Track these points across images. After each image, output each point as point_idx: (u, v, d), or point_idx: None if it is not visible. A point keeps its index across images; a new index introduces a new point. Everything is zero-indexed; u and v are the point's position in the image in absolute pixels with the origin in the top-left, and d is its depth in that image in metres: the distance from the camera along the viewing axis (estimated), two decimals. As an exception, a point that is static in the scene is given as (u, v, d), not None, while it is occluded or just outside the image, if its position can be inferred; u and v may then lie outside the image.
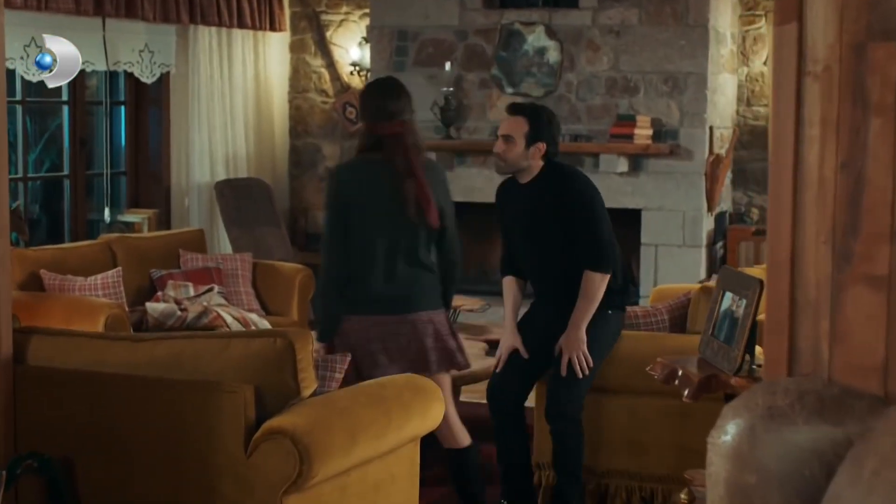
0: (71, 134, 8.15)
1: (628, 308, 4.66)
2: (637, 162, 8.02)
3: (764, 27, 8.40)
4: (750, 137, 8.48)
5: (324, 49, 9.39)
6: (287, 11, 9.33)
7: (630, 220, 8.00)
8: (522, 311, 4.63)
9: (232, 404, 3.27)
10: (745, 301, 3.57)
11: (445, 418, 3.97)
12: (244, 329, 5.84)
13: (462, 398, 5.73)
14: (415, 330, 4.10)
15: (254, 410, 3.28)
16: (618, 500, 4.60)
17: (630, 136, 7.88)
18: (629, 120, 7.94)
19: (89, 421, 3.48)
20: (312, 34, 9.41)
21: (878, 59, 1.95)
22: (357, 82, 9.17)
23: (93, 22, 7.63)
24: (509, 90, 8.24)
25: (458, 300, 7.32)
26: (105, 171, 8.36)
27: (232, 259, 6.73)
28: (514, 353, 4.47)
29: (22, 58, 7.20)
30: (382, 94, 4.14)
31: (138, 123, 8.66)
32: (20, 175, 7.89)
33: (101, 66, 7.88)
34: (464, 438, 4.27)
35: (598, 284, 4.30)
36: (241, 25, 8.71)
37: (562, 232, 4.35)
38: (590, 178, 4.49)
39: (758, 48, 8.44)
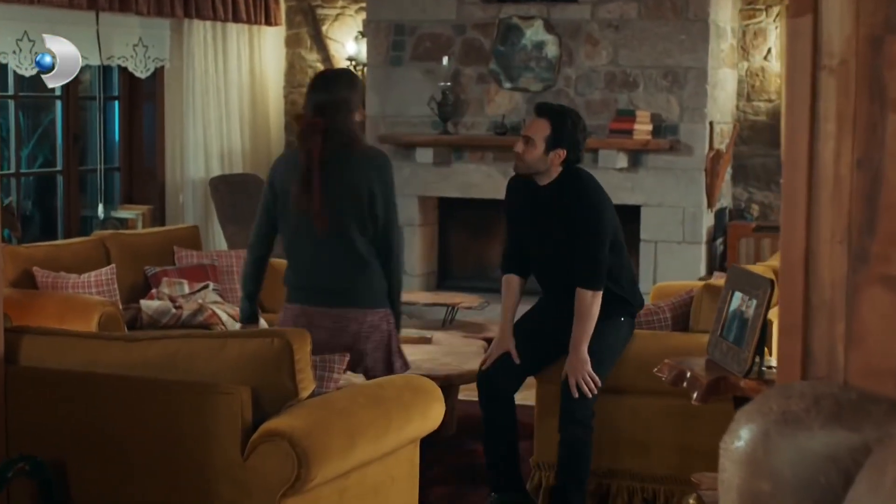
0: (64, 129, 8.09)
1: (630, 306, 4.63)
2: (636, 157, 7.96)
3: (764, 21, 8.34)
4: (750, 133, 8.43)
5: (320, 44, 9.32)
6: (282, 5, 9.27)
7: (629, 216, 7.94)
8: (522, 311, 4.59)
9: (228, 406, 3.22)
10: (755, 301, 3.51)
11: None
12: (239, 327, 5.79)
13: (461, 397, 5.68)
14: (338, 326, 4.07)
15: (251, 412, 3.24)
16: (619, 501, 4.57)
17: (629, 132, 7.82)
18: (628, 115, 7.88)
19: (83, 423, 3.42)
20: (308, 28, 9.35)
21: (896, 53, 1.91)
22: (353, 77, 9.10)
23: (86, 16, 7.58)
24: (507, 85, 8.18)
25: (456, 297, 7.29)
26: (99, 167, 8.31)
27: (227, 256, 6.69)
28: (505, 352, 4.48)
29: (14, 52, 7.15)
30: (312, 85, 4.21)
31: (132, 118, 8.61)
32: (13, 171, 7.84)
33: (95, 61, 7.82)
34: None
35: (590, 301, 4.30)
36: (236, 19, 8.64)
37: (569, 239, 4.35)
38: (604, 191, 4.44)
39: (758, 43, 8.38)
